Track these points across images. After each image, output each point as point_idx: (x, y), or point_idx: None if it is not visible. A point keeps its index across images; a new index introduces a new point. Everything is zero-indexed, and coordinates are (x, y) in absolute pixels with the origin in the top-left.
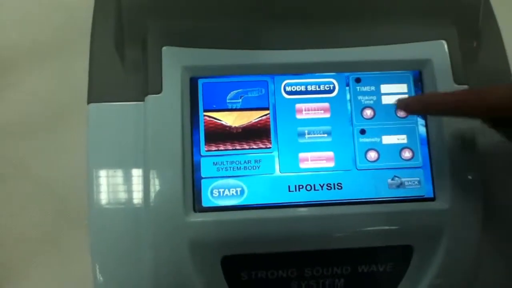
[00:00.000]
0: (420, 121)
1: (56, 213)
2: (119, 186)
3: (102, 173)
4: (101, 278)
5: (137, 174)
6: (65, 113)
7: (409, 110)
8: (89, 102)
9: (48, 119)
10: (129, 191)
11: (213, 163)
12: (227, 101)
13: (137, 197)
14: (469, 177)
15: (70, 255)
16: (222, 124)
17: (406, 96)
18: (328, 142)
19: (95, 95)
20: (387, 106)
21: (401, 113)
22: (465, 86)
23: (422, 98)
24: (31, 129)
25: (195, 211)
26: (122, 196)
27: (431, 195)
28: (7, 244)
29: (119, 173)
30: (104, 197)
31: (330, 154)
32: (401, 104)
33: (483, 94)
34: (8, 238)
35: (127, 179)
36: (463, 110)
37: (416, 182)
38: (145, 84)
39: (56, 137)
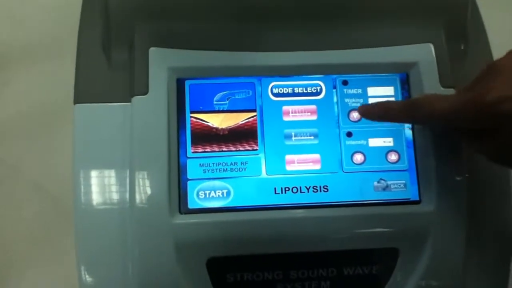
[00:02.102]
0: (407, 124)
1: (50, 213)
2: (105, 187)
3: (88, 174)
4: (87, 280)
5: (123, 175)
6: (57, 113)
7: (363, 115)
8: (75, 102)
9: (40, 119)
10: (115, 192)
11: (200, 164)
12: (214, 102)
13: (123, 198)
14: (454, 180)
15: (64, 255)
16: (208, 126)
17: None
18: (314, 144)
19: (81, 95)
20: None
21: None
22: (452, 90)
23: (373, 109)
24: (24, 129)
25: (180, 212)
26: (108, 197)
27: (417, 198)
28: (2, 243)
29: (105, 174)
30: (89, 198)
31: (317, 156)
32: (361, 110)
33: (421, 108)
34: (2, 238)
35: (113, 180)
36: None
37: (401, 185)
38: (132, 85)
39: (49, 137)
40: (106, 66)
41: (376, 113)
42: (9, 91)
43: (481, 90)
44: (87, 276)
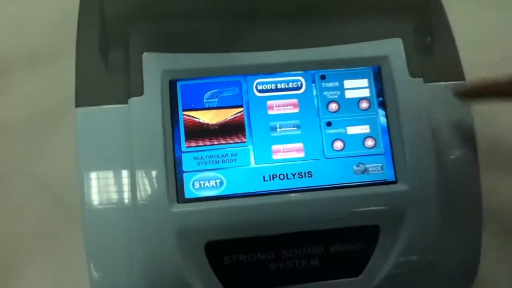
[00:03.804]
0: (381, 112)
1: (53, 211)
2: (109, 185)
3: (92, 174)
4: (95, 274)
5: (124, 172)
6: (58, 114)
7: (464, 96)
8: (76, 106)
9: (42, 121)
10: (118, 189)
11: (194, 157)
12: (204, 100)
13: (126, 193)
14: (426, 161)
15: (68, 252)
16: (200, 122)
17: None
18: (298, 134)
19: (82, 99)
20: (350, 100)
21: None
22: (420, 79)
23: (477, 87)
24: (28, 131)
25: (178, 202)
26: (112, 194)
27: (393, 179)
28: (5, 242)
29: (108, 172)
30: (95, 198)
31: (300, 145)
32: (457, 92)
33: None
34: (6, 236)
35: (115, 178)
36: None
37: (379, 168)
38: (128, 87)
39: (50, 138)
40: (104, 71)
41: (481, 87)
42: (11, 94)
43: None
44: (95, 271)
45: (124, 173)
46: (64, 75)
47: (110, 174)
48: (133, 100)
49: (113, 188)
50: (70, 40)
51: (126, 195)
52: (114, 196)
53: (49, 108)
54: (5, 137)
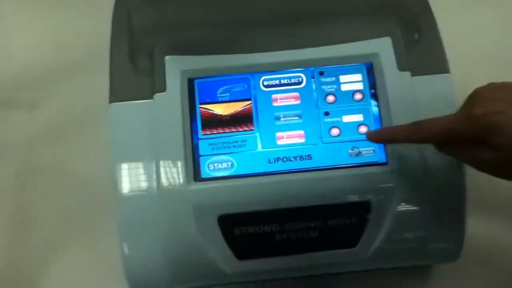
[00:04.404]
0: (373, 102)
1: (86, 201)
2: (138, 170)
3: (124, 162)
4: (127, 251)
5: (150, 158)
6: (93, 117)
7: (374, 141)
8: (110, 102)
9: (77, 124)
10: (145, 173)
11: (209, 144)
12: (218, 95)
13: (152, 177)
14: (413, 144)
15: (101, 236)
16: (214, 114)
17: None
18: (299, 123)
19: (114, 96)
20: (345, 92)
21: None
22: (408, 72)
23: (382, 135)
24: (64, 133)
25: (195, 181)
26: (140, 177)
27: (384, 161)
28: (44, 229)
29: (136, 159)
30: (126, 184)
31: (301, 132)
32: (369, 137)
33: (423, 128)
34: (46, 223)
35: (143, 164)
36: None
37: (371, 151)
38: (153, 85)
39: (86, 137)
40: (133, 72)
41: (385, 137)
42: (54, 101)
43: (470, 108)
44: (127, 248)
45: (150, 159)
46: (96, 85)
47: (138, 160)
48: (157, 96)
49: (141, 172)
50: (99, 57)
51: (153, 179)
52: (142, 179)
53: (83, 113)
54: (46, 138)
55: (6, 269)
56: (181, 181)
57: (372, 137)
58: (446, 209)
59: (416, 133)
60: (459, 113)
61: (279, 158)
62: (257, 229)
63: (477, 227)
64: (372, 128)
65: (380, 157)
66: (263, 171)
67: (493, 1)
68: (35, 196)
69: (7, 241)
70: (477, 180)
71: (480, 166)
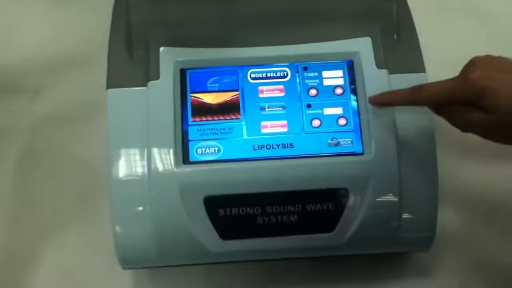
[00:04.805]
0: (353, 97)
1: (83, 185)
2: (130, 154)
3: (118, 144)
4: (118, 231)
5: (143, 141)
6: (92, 105)
7: (374, 103)
8: (107, 88)
9: (78, 112)
10: (138, 155)
11: (198, 130)
12: (208, 85)
13: (144, 161)
14: (388, 137)
15: (98, 216)
16: (204, 102)
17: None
18: (282, 113)
19: (111, 82)
20: (327, 87)
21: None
22: (385, 70)
23: (383, 97)
24: (65, 119)
25: (184, 163)
26: (133, 159)
27: (361, 151)
28: (43, 209)
29: (130, 142)
30: (120, 167)
31: (284, 122)
32: (371, 100)
33: (423, 91)
34: (44, 204)
35: (136, 147)
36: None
37: (349, 142)
38: (147, 74)
39: (85, 123)
40: (129, 61)
41: (384, 100)
42: (56, 89)
43: (466, 72)
44: (119, 227)
45: (142, 143)
46: (96, 75)
47: (131, 143)
48: (151, 83)
49: (133, 154)
50: (97, 50)
51: (144, 161)
52: (134, 161)
53: (84, 101)
54: (47, 123)
55: (5, 247)
56: (171, 163)
57: (372, 100)
58: (419, 199)
59: (415, 96)
60: (456, 77)
61: (263, 145)
62: (240, 211)
63: (450, 219)
64: (351, 121)
65: (357, 148)
66: (248, 157)
67: (467, 8)
68: (35, 178)
69: (7, 220)
70: (450, 172)
71: (472, 128)
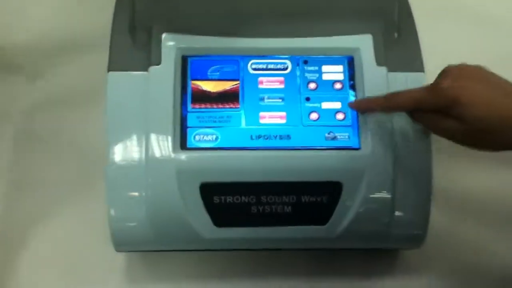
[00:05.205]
0: (351, 92)
1: (80, 167)
2: (129, 136)
3: (117, 127)
4: (113, 214)
5: (142, 126)
6: (91, 89)
7: (353, 108)
8: (108, 70)
9: (77, 95)
10: (136, 139)
11: (196, 117)
12: (208, 73)
13: (143, 146)
14: (385, 133)
15: (94, 198)
16: (204, 90)
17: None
18: (281, 105)
19: (113, 65)
20: (326, 81)
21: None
22: (384, 68)
23: (360, 104)
24: (64, 102)
25: (181, 149)
26: (131, 143)
27: (357, 146)
28: (39, 191)
29: (128, 126)
30: (119, 152)
31: (283, 114)
32: (351, 105)
33: (397, 98)
34: (41, 186)
35: (134, 130)
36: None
37: (346, 136)
38: (149, 59)
39: (83, 108)
40: (132, 46)
41: (362, 106)
42: (55, 73)
43: (438, 82)
44: (114, 213)
45: (141, 127)
46: (97, 60)
47: (130, 127)
48: (153, 68)
49: (131, 138)
50: (100, 34)
51: (142, 145)
52: (132, 145)
53: (83, 86)
54: (46, 105)
55: (1, 227)
56: (168, 148)
57: (352, 105)
58: (412, 196)
59: (390, 103)
60: (429, 86)
61: (261, 135)
62: (235, 199)
63: (442, 219)
64: (349, 116)
65: (354, 142)
66: (245, 146)
67: (467, 9)
68: (33, 159)
69: (4, 200)
70: (444, 173)
71: (445, 135)
